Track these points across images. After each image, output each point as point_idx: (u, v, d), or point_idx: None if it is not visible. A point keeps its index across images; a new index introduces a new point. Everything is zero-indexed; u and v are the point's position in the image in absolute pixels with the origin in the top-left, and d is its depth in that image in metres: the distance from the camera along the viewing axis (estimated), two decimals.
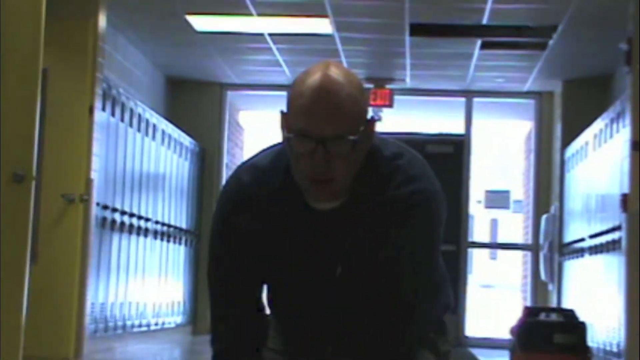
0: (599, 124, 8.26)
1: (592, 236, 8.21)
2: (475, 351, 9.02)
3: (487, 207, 13.57)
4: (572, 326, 5.40)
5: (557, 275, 9.84)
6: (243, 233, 2.29)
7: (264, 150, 2.38)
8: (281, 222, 2.28)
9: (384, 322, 2.25)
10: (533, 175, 10.80)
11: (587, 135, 8.74)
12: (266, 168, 2.30)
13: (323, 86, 2.12)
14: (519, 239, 13.47)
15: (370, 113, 2.23)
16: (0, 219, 5.60)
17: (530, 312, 5.71)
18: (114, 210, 7.72)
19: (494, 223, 32.92)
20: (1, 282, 5.54)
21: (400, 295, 2.24)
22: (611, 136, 7.71)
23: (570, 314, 5.58)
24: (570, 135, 9.58)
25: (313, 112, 2.11)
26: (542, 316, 5.62)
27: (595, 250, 8.08)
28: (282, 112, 2.20)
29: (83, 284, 6.94)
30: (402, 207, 2.22)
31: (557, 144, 10.13)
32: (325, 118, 2.11)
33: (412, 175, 2.24)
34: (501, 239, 28.72)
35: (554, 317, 5.64)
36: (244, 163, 2.38)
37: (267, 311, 2.44)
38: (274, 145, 2.36)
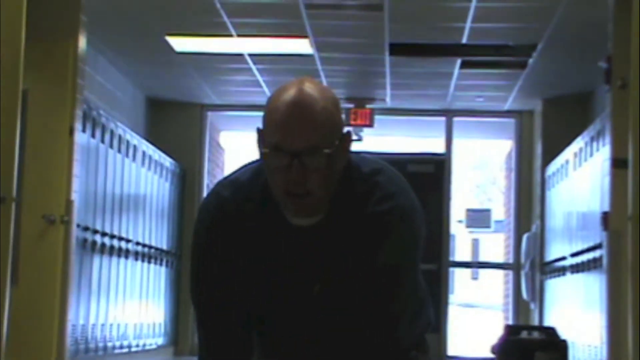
0: (579, 143, 8.30)
1: (574, 255, 8.22)
2: None
3: (469, 226, 13.61)
4: (553, 344, 5.39)
5: (538, 294, 9.85)
6: (223, 247, 2.29)
7: (243, 167, 2.38)
8: (260, 238, 2.28)
9: (364, 340, 2.24)
10: (514, 194, 10.83)
11: (568, 153, 8.78)
12: (245, 184, 2.30)
13: (297, 100, 2.13)
14: (500, 258, 13.49)
15: (345, 128, 2.24)
16: None
17: (511, 330, 5.70)
18: (95, 231, 7.68)
19: (476, 243, 32.98)
20: None
21: (380, 313, 2.24)
22: (591, 154, 7.75)
23: (551, 332, 5.57)
24: (550, 153, 9.62)
25: (287, 126, 2.12)
26: (524, 334, 5.61)
27: (576, 268, 8.10)
28: (258, 129, 2.21)
29: (64, 305, 6.89)
30: (380, 224, 2.21)
31: (538, 162, 10.16)
32: (299, 131, 2.12)
33: (391, 192, 2.24)
34: (483, 259, 28.78)
35: (535, 335, 5.63)
36: (223, 179, 2.39)
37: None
38: (253, 162, 2.36)
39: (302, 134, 2.12)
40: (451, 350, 10.58)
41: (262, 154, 2.20)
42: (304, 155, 2.12)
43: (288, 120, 2.12)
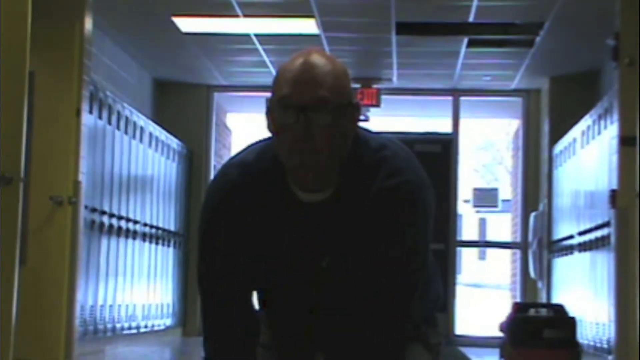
0: (586, 121, 8.28)
1: (581, 233, 8.22)
2: (465, 350, 9.03)
3: (476, 205, 13.59)
4: (562, 321, 5.39)
5: (546, 272, 9.85)
6: (231, 227, 2.29)
7: (248, 147, 2.39)
8: (269, 216, 2.28)
9: (373, 314, 2.24)
10: (521, 172, 10.81)
11: (575, 132, 8.76)
12: (253, 163, 2.31)
13: (306, 61, 2.20)
14: (507, 238, 13.49)
15: (355, 99, 2.25)
16: None
17: (519, 308, 5.70)
18: (102, 212, 7.70)
19: (483, 222, 32.98)
20: None
21: (390, 287, 2.23)
22: (599, 132, 7.73)
23: (560, 310, 5.57)
24: (558, 132, 9.59)
25: (295, 81, 2.18)
26: (532, 312, 5.61)
27: (584, 247, 8.09)
28: (267, 99, 2.24)
29: (72, 286, 6.91)
30: (389, 199, 2.22)
31: (545, 141, 10.14)
32: (306, 86, 2.17)
33: (399, 167, 2.25)
34: (489, 239, 28.78)
35: (543, 312, 5.63)
36: (230, 159, 2.40)
37: (257, 307, 2.43)
38: (260, 141, 2.37)
39: (309, 88, 2.16)
40: (459, 330, 10.59)
41: (269, 110, 2.22)
42: (310, 110, 2.15)
43: (296, 77, 2.18)
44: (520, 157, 10.91)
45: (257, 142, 2.38)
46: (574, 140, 8.82)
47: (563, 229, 9.22)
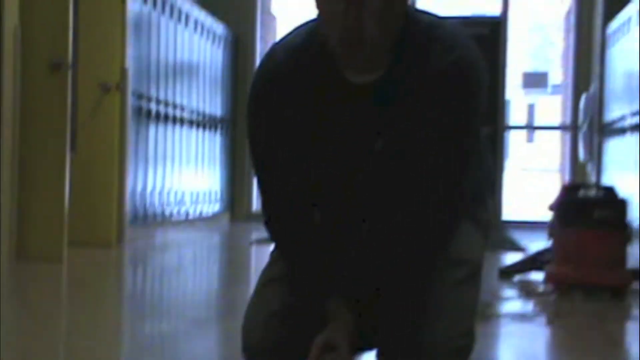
0: None
1: (634, 114, 8.09)
2: (513, 233, 9.03)
3: (525, 87, 13.41)
4: (612, 202, 5.33)
5: (596, 154, 9.76)
6: (280, 110, 2.25)
7: (297, 28, 2.32)
8: (318, 98, 2.23)
9: (426, 194, 2.21)
10: (573, 54, 10.61)
11: (631, 9, 8.52)
12: (301, 45, 2.24)
13: None
14: (556, 123, 13.35)
15: None
16: (39, 108, 5.63)
17: (569, 189, 5.64)
18: (149, 99, 7.71)
19: (531, 108, 32.70)
20: (44, 171, 5.61)
21: (444, 166, 2.20)
22: None
23: (610, 191, 5.49)
24: (612, 10, 9.33)
25: None
26: (582, 193, 5.54)
27: (637, 128, 7.98)
28: None
29: (122, 172, 6.99)
30: (444, 76, 2.17)
31: (598, 20, 9.90)
32: None
33: (453, 44, 2.20)
34: (538, 124, 28.59)
35: (594, 193, 5.56)
36: (277, 42, 2.33)
37: None
38: (307, 23, 2.30)
39: None
40: (507, 214, 10.58)
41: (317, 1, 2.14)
42: None
43: None
44: (571, 38, 10.70)
45: (305, 23, 2.32)
46: (629, 18, 8.60)
47: (615, 110, 9.08)
